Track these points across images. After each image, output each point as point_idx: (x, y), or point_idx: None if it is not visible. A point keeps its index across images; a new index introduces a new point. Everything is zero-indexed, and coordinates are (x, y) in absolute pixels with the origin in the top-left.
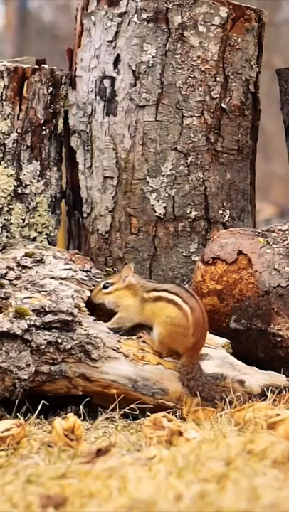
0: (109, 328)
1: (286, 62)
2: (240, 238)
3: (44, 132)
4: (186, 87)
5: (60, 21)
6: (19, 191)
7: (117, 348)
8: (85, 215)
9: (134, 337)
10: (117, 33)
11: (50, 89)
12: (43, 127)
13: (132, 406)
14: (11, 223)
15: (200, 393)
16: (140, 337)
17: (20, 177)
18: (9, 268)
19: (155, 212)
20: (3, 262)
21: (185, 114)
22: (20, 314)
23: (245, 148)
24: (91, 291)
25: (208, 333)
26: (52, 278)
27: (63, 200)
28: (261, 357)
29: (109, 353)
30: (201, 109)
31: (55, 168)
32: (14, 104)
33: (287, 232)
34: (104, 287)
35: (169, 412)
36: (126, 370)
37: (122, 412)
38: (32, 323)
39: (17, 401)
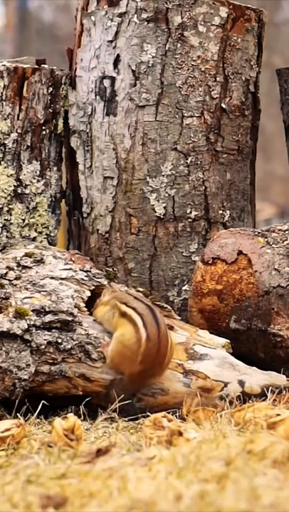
0: None
1: (286, 62)
2: (240, 238)
3: (44, 132)
4: (186, 87)
5: (60, 21)
6: (19, 191)
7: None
8: (85, 215)
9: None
10: (117, 33)
11: (50, 89)
12: (43, 127)
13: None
14: (11, 223)
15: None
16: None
17: (20, 177)
18: (9, 268)
19: (155, 212)
20: (3, 262)
21: (185, 114)
22: (20, 314)
23: (245, 148)
24: (91, 291)
25: (207, 332)
26: (52, 278)
27: (63, 200)
28: (261, 357)
29: None
30: (201, 109)
31: (55, 168)
32: (14, 104)
33: (287, 232)
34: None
35: (169, 412)
36: None
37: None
38: (32, 323)
39: (17, 401)
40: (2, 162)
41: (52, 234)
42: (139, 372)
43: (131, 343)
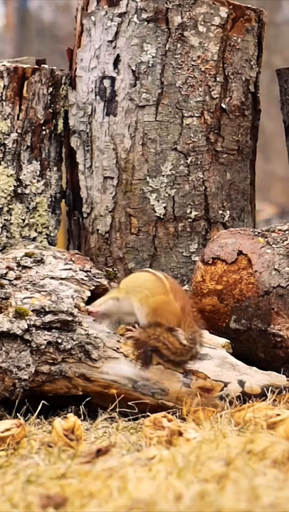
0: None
1: (286, 62)
2: (240, 238)
3: (44, 132)
4: (186, 87)
5: (60, 21)
6: (19, 191)
7: (117, 348)
8: (85, 215)
9: (121, 337)
10: (117, 33)
11: (50, 89)
12: (43, 127)
13: (132, 405)
14: (11, 223)
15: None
16: (129, 330)
17: (20, 177)
18: (9, 268)
19: (155, 212)
20: (3, 262)
21: (185, 114)
22: (20, 314)
23: (245, 148)
24: (91, 291)
25: (207, 332)
26: (52, 278)
27: (63, 200)
28: (261, 357)
29: (109, 353)
30: (201, 109)
31: (55, 168)
32: (14, 104)
33: (287, 232)
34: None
35: (169, 412)
36: (126, 370)
37: (122, 412)
38: (32, 323)
39: (17, 401)
40: (2, 162)
41: (52, 234)
42: (182, 309)
43: (157, 286)
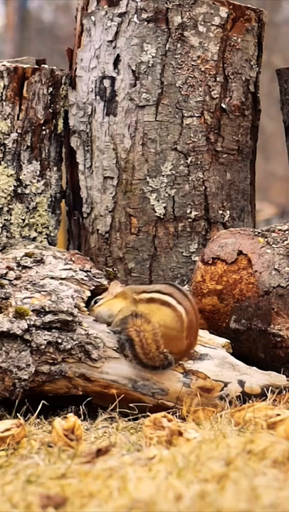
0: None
1: (286, 62)
2: (240, 238)
3: (44, 132)
4: (186, 87)
5: (60, 21)
6: (19, 191)
7: (117, 348)
8: (85, 215)
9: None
10: (117, 33)
11: (50, 89)
12: (43, 127)
13: (132, 406)
14: (11, 223)
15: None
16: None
17: (20, 177)
18: (9, 268)
19: (155, 212)
20: (3, 262)
21: (185, 114)
22: (20, 314)
23: (245, 149)
24: (91, 291)
25: (207, 332)
26: (52, 278)
27: (63, 200)
28: (261, 357)
29: (110, 353)
30: (201, 109)
31: (55, 168)
32: (14, 104)
33: (287, 232)
34: (95, 302)
35: (169, 412)
36: (126, 370)
37: (122, 412)
38: (32, 323)
39: (17, 401)
40: (2, 162)
41: (52, 234)
42: (187, 347)
43: (173, 322)
